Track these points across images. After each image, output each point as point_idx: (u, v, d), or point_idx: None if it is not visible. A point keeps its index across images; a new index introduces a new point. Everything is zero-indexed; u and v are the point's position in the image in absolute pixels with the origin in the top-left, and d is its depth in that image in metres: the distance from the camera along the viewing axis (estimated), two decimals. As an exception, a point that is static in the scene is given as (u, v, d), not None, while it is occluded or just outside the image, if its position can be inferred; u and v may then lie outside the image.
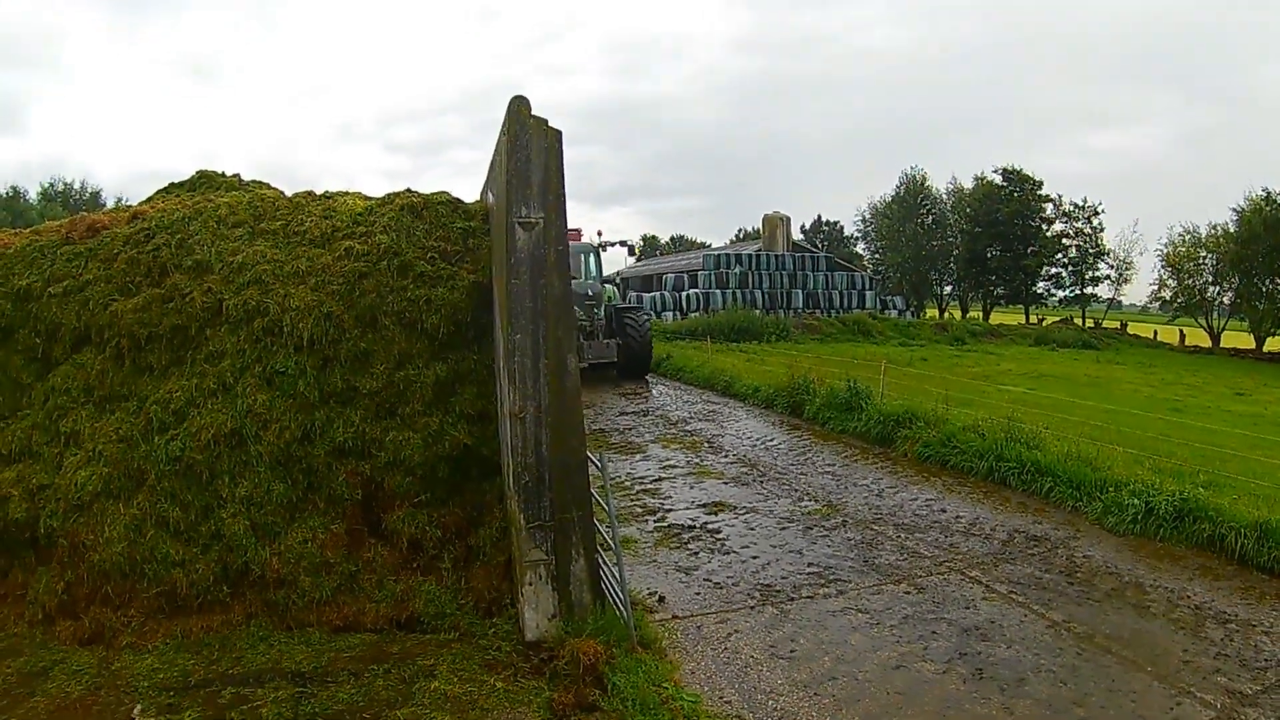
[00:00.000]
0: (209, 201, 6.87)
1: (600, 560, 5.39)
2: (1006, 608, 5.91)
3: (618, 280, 37.21)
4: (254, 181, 9.17)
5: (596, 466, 5.27)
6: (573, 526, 5.21)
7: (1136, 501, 7.58)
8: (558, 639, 4.98)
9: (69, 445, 5.96)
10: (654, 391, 17.14)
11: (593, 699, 4.33)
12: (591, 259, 19.12)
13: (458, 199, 7.06)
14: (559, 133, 5.08)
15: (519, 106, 4.93)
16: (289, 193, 7.67)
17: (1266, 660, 5.15)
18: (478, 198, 7.53)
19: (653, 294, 37.31)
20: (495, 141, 6.12)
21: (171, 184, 8.83)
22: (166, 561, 5.34)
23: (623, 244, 20.91)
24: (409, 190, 6.95)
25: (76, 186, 66.38)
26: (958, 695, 4.70)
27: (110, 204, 58.55)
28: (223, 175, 9.08)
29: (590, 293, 17.72)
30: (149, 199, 8.41)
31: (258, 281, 6.13)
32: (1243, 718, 4.52)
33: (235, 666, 4.87)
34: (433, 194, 6.97)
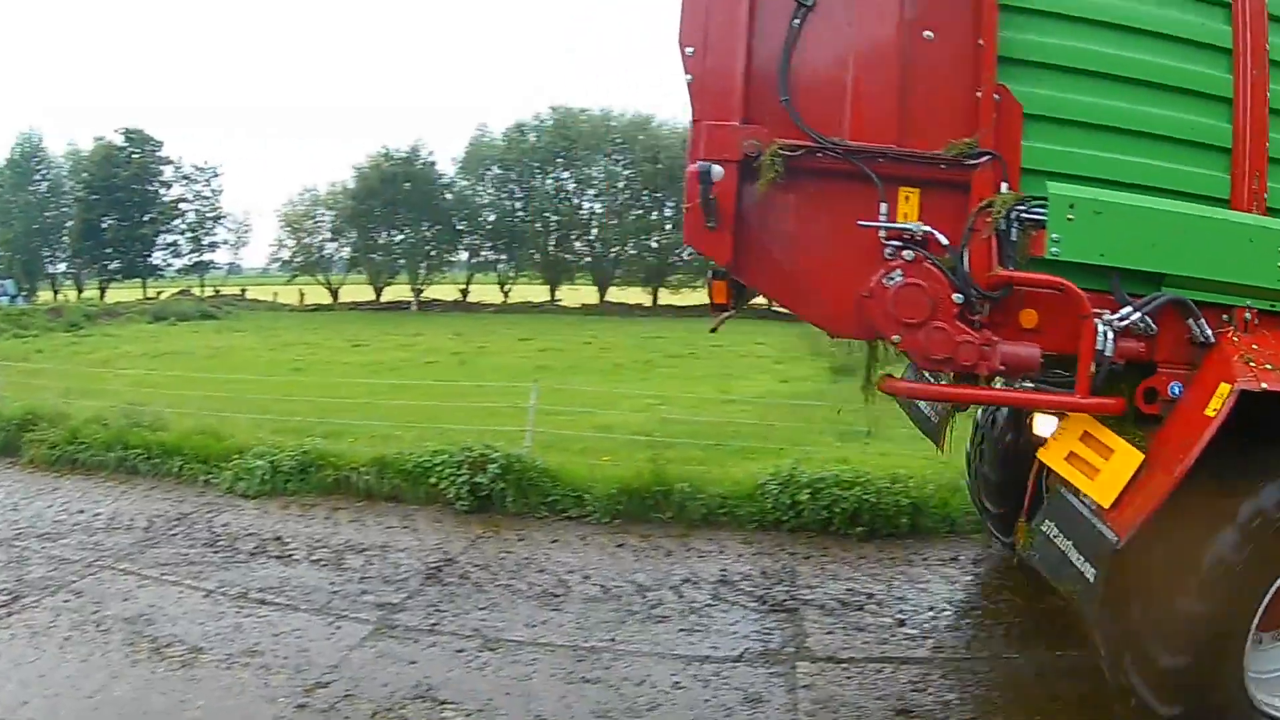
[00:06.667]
0: None
1: None
2: (162, 589, 6.18)
3: None
4: None
5: None
6: None
7: (262, 463, 8.44)
8: None
9: None
10: None
11: None
12: None
13: None
14: None
15: None
16: None
17: (405, 572, 6.49)
18: None
19: None
20: None
21: None
22: None
23: None
24: None
25: None
26: (149, 678, 4.93)
27: None
28: None
29: None
30: None
31: None
32: (396, 621, 5.66)
33: None
34: None
